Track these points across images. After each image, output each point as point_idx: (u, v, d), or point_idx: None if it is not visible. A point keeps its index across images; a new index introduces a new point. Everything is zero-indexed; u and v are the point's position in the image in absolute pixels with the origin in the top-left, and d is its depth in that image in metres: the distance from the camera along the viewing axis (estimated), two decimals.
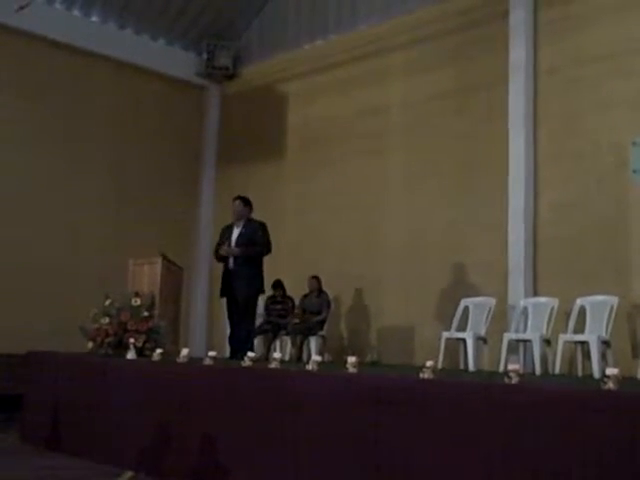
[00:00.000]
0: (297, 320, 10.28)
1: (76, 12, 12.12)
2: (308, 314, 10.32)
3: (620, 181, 8.60)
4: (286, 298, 10.65)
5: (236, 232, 8.09)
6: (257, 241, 8.01)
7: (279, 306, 10.51)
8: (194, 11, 12.85)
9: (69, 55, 11.86)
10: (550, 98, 9.35)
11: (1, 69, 11.25)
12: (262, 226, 8.10)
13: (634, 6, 8.70)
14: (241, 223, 8.09)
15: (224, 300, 8.31)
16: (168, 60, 13.02)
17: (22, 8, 10.01)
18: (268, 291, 9.87)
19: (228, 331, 8.37)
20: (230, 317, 8.22)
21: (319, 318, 10.33)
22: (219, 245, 8.17)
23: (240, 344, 7.78)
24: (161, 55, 12.98)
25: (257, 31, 13.30)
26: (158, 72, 12.86)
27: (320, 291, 10.47)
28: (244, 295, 7.96)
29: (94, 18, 12.32)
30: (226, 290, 8.10)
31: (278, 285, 10.57)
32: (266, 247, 8.07)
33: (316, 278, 10.49)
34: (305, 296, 10.55)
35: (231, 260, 8.02)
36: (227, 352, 8.52)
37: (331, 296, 10.62)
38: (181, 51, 13.29)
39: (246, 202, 8.20)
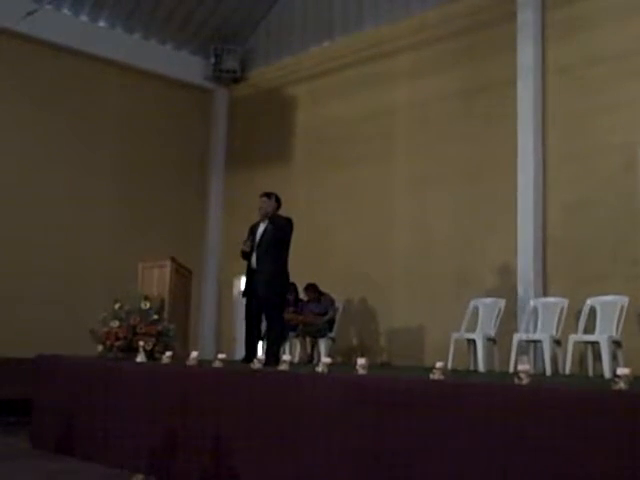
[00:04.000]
0: (302, 322, 10.27)
1: (84, 17, 12.17)
2: (316, 316, 10.29)
3: (630, 181, 8.57)
4: (299, 301, 10.62)
5: (261, 228, 7.74)
6: (280, 235, 7.65)
7: (291, 308, 10.47)
8: (201, 15, 12.89)
9: (76, 60, 11.91)
10: (559, 99, 9.33)
11: (9, 74, 11.31)
12: (288, 221, 7.73)
13: None
14: (267, 219, 7.74)
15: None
16: (176, 64, 13.06)
17: (30, 14, 10.07)
18: None
19: (244, 333, 8.01)
20: (248, 318, 7.84)
21: (326, 318, 10.29)
22: (245, 243, 7.81)
23: (268, 348, 7.59)
24: (169, 59, 13.02)
25: (264, 34, 13.32)
26: (166, 76, 12.91)
27: (319, 295, 10.43)
28: (266, 296, 7.60)
29: (102, 23, 12.37)
30: (248, 290, 7.78)
31: (292, 289, 10.43)
32: (287, 234, 7.65)
33: (310, 287, 10.43)
34: (308, 302, 10.53)
35: (253, 259, 7.67)
36: (239, 354, 8.36)
37: (340, 299, 10.60)
38: (189, 55, 13.33)
39: (273, 198, 7.80)
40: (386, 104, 11.12)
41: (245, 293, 7.85)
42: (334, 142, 11.72)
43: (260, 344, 8.12)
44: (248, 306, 7.83)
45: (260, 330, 7.93)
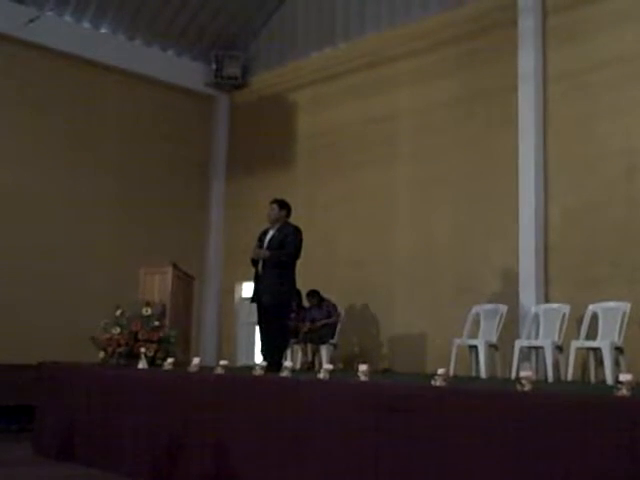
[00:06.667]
0: (306, 329, 10.25)
1: (86, 24, 12.20)
2: (322, 326, 10.27)
3: (631, 186, 8.57)
4: (301, 308, 10.59)
5: (269, 235, 7.73)
6: (286, 245, 7.60)
7: (293, 315, 10.43)
8: (203, 22, 12.91)
9: (78, 66, 11.92)
10: (560, 104, 9.33)
11: (12, 80, 11.32)
12: (295, 230, 7.69)
13: None
14: (276, 226, 7.72)
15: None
16: (177, 70, 13.08)
17: (32, 21, 10.11)
18: None
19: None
20: (260, 326, 7.79)
21: (328, 321, 10.25)
22: (254, 250, 7.77)
23: (269, 355, 7.45)
24: (170, 65, 13.04)
25: (265, 40, 13.33)
26: (167, 82, 12.92)
27: (320, 300, 10.41)
28: (268, 302, 7.55)
29: (104, 30, 12.39)
30: (254, 297, 7.73)
31: (296, 295, 10.37)
32: (292, 251, 7.60)
33: (311, 293, 10.41)
34: (309, 308, 10.52)
35: (260, 264, 7.62)
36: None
37: (342, 305, 10.59)
38: (190, 61, 13.35)
39: (282, 205, 7.77)
40: (388, 110, 11.12)
41: (253, 299, 7.78)
42: (336, 148, 11.72)
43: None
44: (259, 314, 7.77)
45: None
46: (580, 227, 8.94)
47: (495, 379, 8.20)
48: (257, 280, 7.70)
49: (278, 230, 7.69)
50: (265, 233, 7.82)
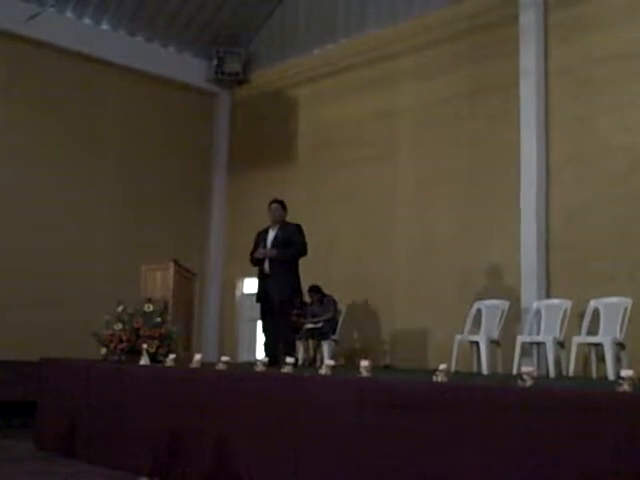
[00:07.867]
0: (311, 325, 10.26)
1: (87, 20, 12.19)
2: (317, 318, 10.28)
3: (633, 182, 8.56)
4: (303, 304, 10.58)
5: (272, 235, 7.93)
6: (293, 243, 7.87)
7: (296, 311, 10.43)
8: (204, 18, 12.91)
9: (80, 63, 11.92)
10: (562, 100, 9.32)
11: (12, 77, 11.32)
12: (298, 228, 7.98)
13: None
14: (277, 226, 7.96)
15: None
16: (178, 67, 13.08)
17: (33, 17, 10.09)
18: None
19: (263, 337, 8.08)
20: (264, 323, 7.99)
21: (326, 317, 10.24)
22: (254, 249, 8.00)
23: (280, 348, 7.61)
24: (171, 62, 13.04)
25: (266, 36, 13.33)
26: (168, 79, 12.92)
27: (322, 296, 10.42)
28: (279, 298, 7.75)
29: (104, 26, 12.38)
30: (262, 295, 7.92)
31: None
32: (302, 248, 7.92)
33: (313, 289, 10.42)
34: (311, 304, 10.52)
35: (266, 263, 7.83)
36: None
37: (343, 301, 10.58)
38: (191, 57, 13.34)
39: (284, 206, 8.07)
40: (389, 106, 11.12)
41: (259, 298, 7.93)
42: (337, 144, 11.72)
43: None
44: (263, 310, 7.93)
45: (277, 332, 7.95)
46: (581, 222, 8.94)
47: (496, 375, 8.20)
48: (264, 279, 7.85)
49: (280, 229, 7.89)
50: (265, 233, 7.99)
